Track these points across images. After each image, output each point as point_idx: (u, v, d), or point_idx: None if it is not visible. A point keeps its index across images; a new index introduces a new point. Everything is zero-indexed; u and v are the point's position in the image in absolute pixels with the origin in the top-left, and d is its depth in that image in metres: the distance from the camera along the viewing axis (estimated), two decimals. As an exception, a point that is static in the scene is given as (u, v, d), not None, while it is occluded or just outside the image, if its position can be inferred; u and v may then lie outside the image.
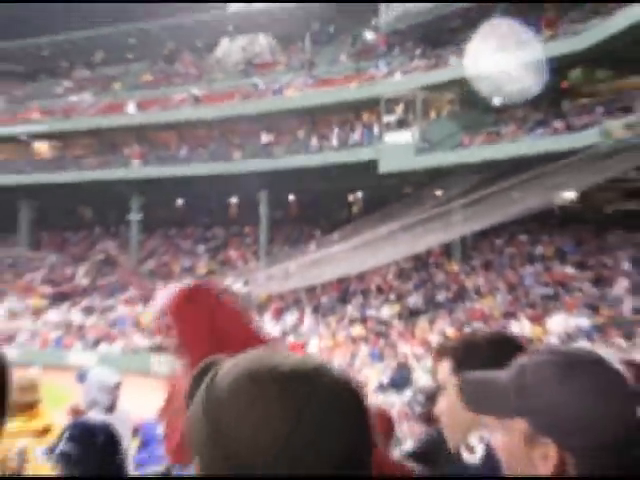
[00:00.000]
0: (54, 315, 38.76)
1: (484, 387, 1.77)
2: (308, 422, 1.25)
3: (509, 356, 1.81)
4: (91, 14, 52.05)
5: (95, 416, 7.10)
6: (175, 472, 5.89)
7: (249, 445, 1.23)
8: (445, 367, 2.61)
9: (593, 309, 27.00)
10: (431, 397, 5.20)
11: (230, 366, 1.35)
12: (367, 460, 1.33)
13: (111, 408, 7.45)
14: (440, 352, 2.69)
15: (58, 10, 52.43)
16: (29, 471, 5.17)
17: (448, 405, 2.55)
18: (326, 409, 1.27)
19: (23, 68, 53.86)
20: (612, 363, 1.70)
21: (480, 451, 2.30)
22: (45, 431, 4.71)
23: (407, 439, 6.04)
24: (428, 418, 5.05)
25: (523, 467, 1.68)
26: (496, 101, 36.21)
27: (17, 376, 6.59)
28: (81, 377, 7.65)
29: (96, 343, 35.28)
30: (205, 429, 1.29)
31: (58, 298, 40.89)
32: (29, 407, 5.88)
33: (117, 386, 7.71)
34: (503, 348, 2.41)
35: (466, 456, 2.39)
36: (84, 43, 52.22)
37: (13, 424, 4.75)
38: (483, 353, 2.47)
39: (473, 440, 2.37)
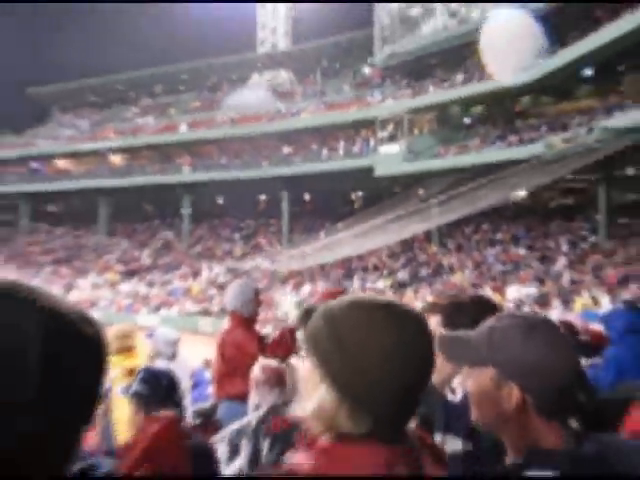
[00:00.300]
0: (126, 287, 38.77)
1: (460, 343, 1.78)
2: (405, 339, 1.35)
3: (487, 314, 1.90)
4: (151, 56, 52.21)
5: (160, 364, 7.27)
6: (219, 407, 5.95)
7: (364, 354, 1.31)
8: (434, 321, 2.58)
9: (540, 281, 26.84)
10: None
11: (340, 303, 1.41)
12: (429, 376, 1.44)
13: (173, 357, 7.55)
14: (430, 308, 2.70)
15: (127, 53, 52.54)
16: (111, 400, 5.28)
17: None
18: (414, 331, 1.38)
19: (102, 98, 53.78)
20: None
21: (460, 392, 2.30)
22: (131, 372, 4.72)
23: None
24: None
25: (490, 405, 1.70)
26: (465, 120, 36.22)
27: (120, 326, 6.80)
28: (149, 334, 7.75)
29: (157, 308, 35.25)
30: (330, 340, 1.35)
31: (128, 274, 40.87)
32: (127, 350, 6.04)
33: (177, 341, 7.81)
34: (483, 307, 2.47)
35: (450, 396, 2.37)
36: (147, 78, 52.07)
37: (112, 358, 4.84)
38: (467, 310, 2.47)
39: (455, 383, 2.36)
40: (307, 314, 1.55)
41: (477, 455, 2.15)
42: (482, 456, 2.09)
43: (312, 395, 1.39)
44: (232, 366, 5.74)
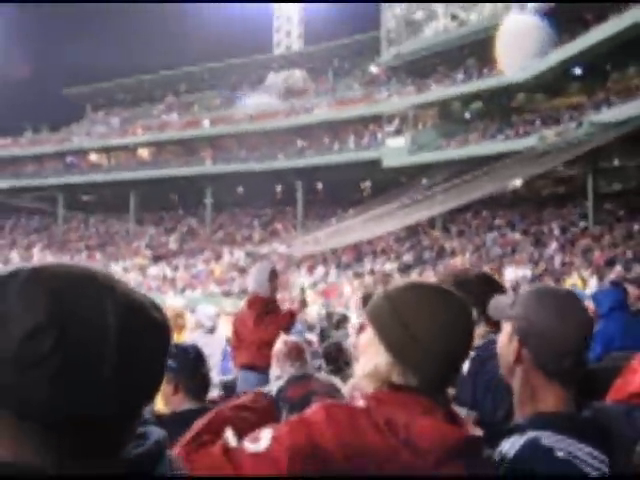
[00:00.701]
0: (154, 270, 38.86)
1: (498, 302, 1.87)
2: (451, 316, 1.47)
3: (490, 290, 1.92)
4: (176, 57, 52.24)
5: (198, 336, 7.38)
6: (239, 380, 6.03)
7: (418, 318, 1.45)
8: None
9: (534, 263, 26.88)
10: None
11: (398, 286, 1.57)
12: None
13: (212, 330, 7.63)
14: (442, 281, 2.69)
15: (154, 55, 52.56)
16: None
17: None
18: (459, 309, 1.50)
19: (130, 97, 53.76)
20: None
21: (466, 364, 2.27)
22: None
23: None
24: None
25: (504, 356, 1.77)
26: (465, 115, 36.11)
27: (174, 306, 6.88)
28: (192, 309, 7.82)
29: (183, 290, 35.35)
30: (388, 312, 1.49)
31: (156, 258, 41.01)
32: (179, 328, 6.13)
33: (216, 315, 7.89)
34: (486, 283, 2.51)
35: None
36: (172, 78, 51.93)
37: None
38: (472, 286, 2.47)
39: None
40: (366, 298, 1.68)
41: (481, 423, 2.15)
42: (486, 424, 2.11)
43: (370, 359, 1.49)
44: (239, 339, 6.01)
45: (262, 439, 1.29)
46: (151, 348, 0.85)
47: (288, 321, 5.86)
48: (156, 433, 0.88)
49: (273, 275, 6.07)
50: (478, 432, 1.45)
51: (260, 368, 5.44)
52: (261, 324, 5.79)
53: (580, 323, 1.69)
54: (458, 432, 1.39)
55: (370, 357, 1.49)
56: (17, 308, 0.78)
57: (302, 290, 6.28)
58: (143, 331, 0.84)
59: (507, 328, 1.77)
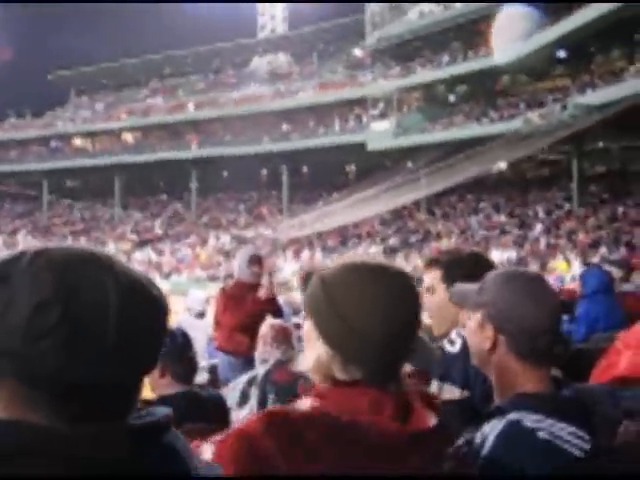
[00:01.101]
0: (139, 255, 38.73)
1: (463, 291, 1.85)
2: (390, 297, 1.36)
3: (482, 269, 1.91)
4: (160, 41, 51.90)
5: (185, 319, 7.40)
6: (219, 363, 6.06)
7: (355, 307, 1.34)
8: (435, 274, 2.58)
9: (519, 245, 27.00)
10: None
11: (334, 266, 1.45)
12: (414, 335, 1.43)
13: (201, 315, 7.67)
14: (431, 263, 2.69)
15: (138, 39, 52.20)
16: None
17: (437, 303, 2.54)
18: (399, 289, 1.39)
19: (115, 81, 53.42)
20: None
21: (458, 343, 2.27)
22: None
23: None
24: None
25: (476, 345, 1.74)
26: (450, 98, 36.12)
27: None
28: (183, 293, 7.87)
29: (168, 274, 35.26)
30: (324, 302, 1.38)
31: (141, 243, 40.92)
32: None
33: (206, 300, 7.93)
34: (479, 263, 2.46)
35: (448, 347, 2.33)
36: (156, 62, 51.68)
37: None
38: (465, 266, 2.45)
39: (454, 335, 2.31)
40: (306, 278, 1.58)
41: (472, 402, 2.15)
42: (477, 403, 2.10)
43: (312, 352, 1.42)
44: (215, 323, 6.09)
45: (204, 454, 1.23)
46: (149, 321, 0.91)
47: (259, 307, 5.71)
48: (163, 409, 0.94)
49: (254, 260, 6.03)
50: (432, 421, 1.36)
51: (235, 352, 5.62)
52: (229, 309, 5.83)
53: (550, 302, 1.69)
54: (402, 429, 1.30)
55: (312, 349, 1.42)
56: (24, 285, 0.84)
57: (269, 275, 6.20)
58: (142, 305, 0.89)
59: (476, 316, 1.73)
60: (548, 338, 1.64)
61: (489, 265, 2.45)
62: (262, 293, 5.87)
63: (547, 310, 1.67)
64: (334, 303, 1.36)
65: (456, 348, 2.28)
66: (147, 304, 0.91)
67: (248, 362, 4.89)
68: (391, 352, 1.37)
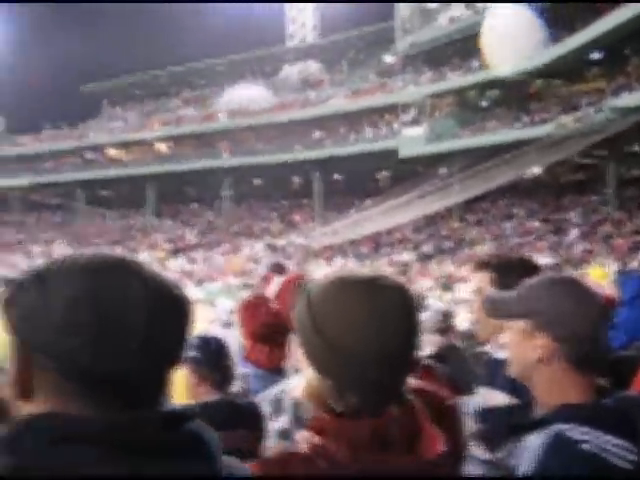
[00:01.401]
0: (172, 264, 39.00)
1: (497, 301, 1.77)
2: (378, 313, 1.24)
3: (531, 274, 1.88)
4: (191, 52, 52.40)
5: (216, 328, 7.37)
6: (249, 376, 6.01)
7: (337, 332, 1.23)
8: (484, 277, 2.52)
9: (554, 251, 26.77)
10: (445, 315, 5.07)
11: (322, 280, 1.34)
12: (412, 354, 1.32)
13: (228, 325, 7.63)
14: (481, 265, 2.64)
15: (169, 50, 52.76)
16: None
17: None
18: (388, 303, 1.27)
19: (147, 92, 54.00)
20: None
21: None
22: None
23: (426, 346, 5.97)
24: (443, 330, 4.94)
25: (519, 357, 1.68)
26: (482, 103, 35.97)
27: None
28: (211, 303, 7.91)
29: (201, 282, 35.43)
30: (309, 322, 1.27)
31: (175, 252, 41.21)
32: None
33: (232, 310, 7.93)
34: (528, 266, 2.43)
35: (496, 353, 2.27)
36: (189, 73, 52.25)
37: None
38: (515, 269, 2.40)
39: (503, 339, 2.33)
40: (298, 290, 1.48)
41: (522, 409, 2.12)
42: (527, 410, 2.07)
43: (304, 375, 1.35)
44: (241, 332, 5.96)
45: None
46: (175, 319, 0.96)
47: (273, 317, 5.43)
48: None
49: (275, 269, 5.93)
50: (440, 446, 1.26)
51: (256, 363, 5.47)
52: (245, 319, 5.69)
53: (598, 306, 1.64)
54: (406, 463, 1.23)
55: (304, 372, 1.32)
56: (58, 286, 0.91)
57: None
58: (167, 305, 0.95)
59: (518, 326, 1.67)
60: (594, 343, 1.61)
61: (537, 270, 2.41)
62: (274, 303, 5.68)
63: (596, 314, 1.63)
64: (317, 321, 1.26)
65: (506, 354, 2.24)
66: (172, 304, 0.96)
67: (273, 372, 4.88)
68: (388, 374, 1.26)
